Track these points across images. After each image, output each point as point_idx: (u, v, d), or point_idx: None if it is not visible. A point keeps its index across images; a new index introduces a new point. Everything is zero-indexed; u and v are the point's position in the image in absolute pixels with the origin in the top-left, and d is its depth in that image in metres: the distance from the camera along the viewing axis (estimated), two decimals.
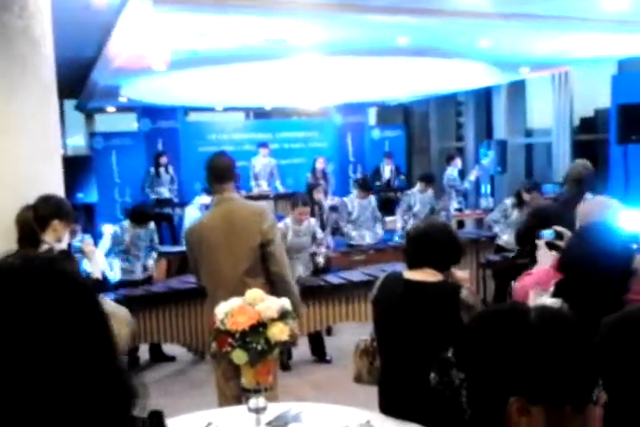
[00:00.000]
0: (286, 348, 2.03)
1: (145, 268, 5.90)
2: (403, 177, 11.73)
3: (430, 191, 7.87)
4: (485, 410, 0.99)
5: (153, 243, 5.96)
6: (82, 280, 0.98)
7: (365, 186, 7.33)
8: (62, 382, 0.87)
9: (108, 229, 5.90)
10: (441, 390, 1.02)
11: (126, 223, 5.81)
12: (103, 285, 3.38)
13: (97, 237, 6.98)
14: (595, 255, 2.05)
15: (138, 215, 5.83)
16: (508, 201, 6.58)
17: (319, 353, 5.70)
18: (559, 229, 3.04)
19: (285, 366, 5.38)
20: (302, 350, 5.43)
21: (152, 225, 5.97)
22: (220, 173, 3.47)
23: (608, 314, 1.63)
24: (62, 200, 3.23)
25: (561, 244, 2.98)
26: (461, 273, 2.70)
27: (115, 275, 5.76)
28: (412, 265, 2.59)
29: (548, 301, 2.09)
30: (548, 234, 3.01)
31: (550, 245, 3.01)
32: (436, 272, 2.55)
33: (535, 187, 6.56)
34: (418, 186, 7.86)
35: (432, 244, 2.56)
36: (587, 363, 1.00)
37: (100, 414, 0.89)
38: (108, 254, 5.67)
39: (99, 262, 3.33)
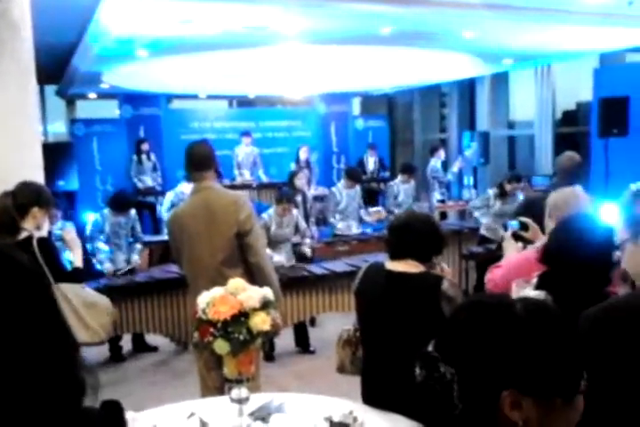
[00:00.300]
0: (268, 338, 2.02)
1: (128, 261, 5.84)
2: (386, 168, 11.75)
3: (413, 182, 7.92)
4: (477, 404, 0.98)
5: (135, 231, 5.90)
6: (30, 267, 0.94)
7: (354, 176, 7.34)
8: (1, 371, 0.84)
9: (91, 218, 5.84)
10: (431, 385, 1.01)
11: (107, 211, 5.75)
12: (84, 273, 3.34)
13: (78, 226, 6.93)
14: (578, 247, 2.05)
15: (118, 203, 5.76)
16: (491, 191, 6.64)
17: (303, 344, 5.71)
18: (524, 219, 3.05)
19: (269, 357, 5.39)
20: (286, 340, 5.43)
21: (133, 213, 5.90)
22: (199, 161, 3.42)
23: (592, 306, 1.64)
24: (42, 187, 3.19)
25: (526, 235, 3.01)
26: (446, 268, 2.70)
27: (100, 263, 5.70)
28: (394, 256, 2.59)
29: (532, 293, 2.09)
30: (513, 225, 3.03)
31: (516, 236, 3.03)
32: (418, 263, 2.54)
33: (517, 178, 6.62)
34: (400, 177, 7.91)
35: (414, 235, 2.55)
36: (573, 354, 1.00)
37: (45, 405, 0.85)
38: (88, 242, 5.61)
39: (80, 251, 3.29)
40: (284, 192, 6.09)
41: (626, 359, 1.46)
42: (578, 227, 2.12)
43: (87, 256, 5.57)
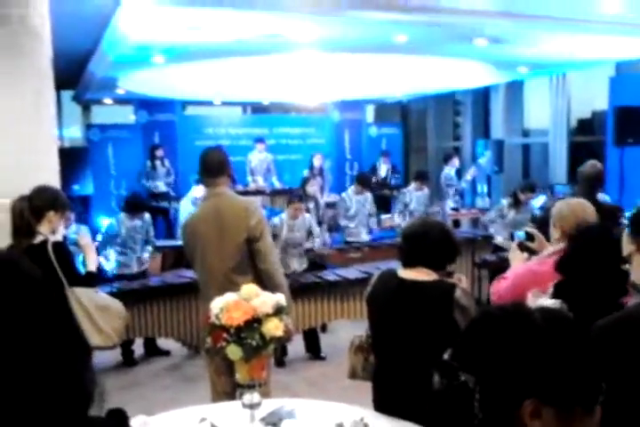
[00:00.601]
0: (281, 344, 2.03)
1: (141, 261, 5.88)
2: (398, 175, 11.73)
3: (426, 190, 7.90)
4: (497, 414, 0.98)
5: (149, 235, 5.94)
6: (35, 275, 0.93)
7: (363, 181, 7.34)
8: (9, 379, 0.84)
9: (106, 222, 5.89)
10: (450, 394, 1.01)
11: (122, 215, 5.79)
12: (97, 278, 3.36)
13: (92, 229, 6.98)
14: (594, 257, 2.07)
15: (132, 205, 5.81)
16: (505, 201, 6.61)
17: (314, 350, 5.70)
18: (530, 230, 3.04)
19: (280, 363, 5.39)
20: (296, 347, 5.43)
21: (147, 217, 5.95)
22: (212, 167, 3.42)
23: (607, 315, 1.64)
24: (58, 191, 3.22)
25: (532, 245, 2.99)
26: (464, 278, 2.67)
27: (111, 267, 5.74)
28: (407, 264, 2.56)
29: (548, 302, 2.09)
30: (519, 235, 3.02)
31: (522, 247, 3.02)
32: (431, 271, 2.51)
33: (531, 188, 6.58)
34: (413, 184, 7.89)
35: (427, 243, 2.52)
36: (593, 362, 1.00)
37: (51, 412, 0.86)
38: (102, 247, 5.65)
39: (94, 255, 3.31)
40: (295, 192, 6.12)
41: (634, 372, 1.45)
42: (594, 237, 2.14)
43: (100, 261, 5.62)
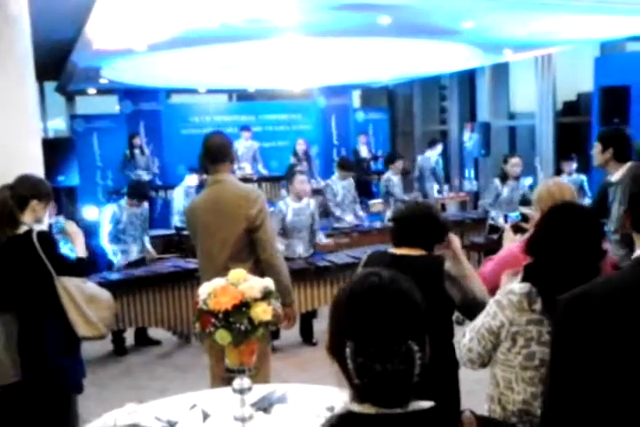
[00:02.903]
0: (270, 329, 2.02)
1: (140, 249, 5.86)
2: (379, 157, 11.70)
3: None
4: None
5: (145, 225, 5.92)
6: None
7: (345, 165, 7.33)
8: None
9: (107, 211, 5.83)
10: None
11: (123, 202, 5.76)
12: (89, 264, 3.32)
13: (77, 221, 6.93)
14: (562, 237, 2.00)
15: (138, 192, 5.82)
16: (497, 180, 6.63)
17: (306, 335, 5.70)
18: (525, 210, 3.04)
19: (272, 348, 5.40)
20: (287, 332, 5.43)
21: (146, 205, 5.94)
22: (214, 153, 3.36)
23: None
24: (41, 180, 3.17)
25: (526, 226, 2.99)
26: (455, 238, 2.69)
27: (115, 257, 5.71)
28: (397, 244, 2.64)
29: (515, 286, 2.07)
30: (513, 216, 3.02)
31: (515, 228, 3.02)
32: (421, 250, 2.59)
33: (510, 156, 6.69)
34: (390, 171, 7.89)
35: (415, 224, 2.60)
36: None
37: None
38: (111, 235, 5.63)
39: (82, 242, 3.26)
40: (289, 169, 6.08)
41: (600, 347, 1.43)
42: (561, 217, 2.07)
43: (99, 249, 5.61)
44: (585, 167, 7.26)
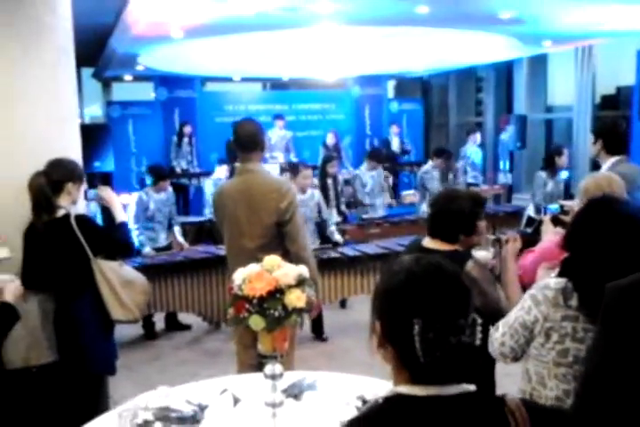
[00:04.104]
0: (303, 316, 2.03)
1: (168, 237, 5.91)
2: (409, 148, 11.61)
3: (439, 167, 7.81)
4: None
5: (172, 214, 5.95)
6: None
7: (375, 157, 7.33)
8: None
9: (132, 198, 5.87)
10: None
11: (148, 189, 5.81)
12: (128, 228, 3.32)
13: None
14: (599, 231, 1.93)
15: (159, 172, 5.85)
16: (543, 173, 6.53)
17: (317, 330, 5.63)
18: (565, 203, 2.98)
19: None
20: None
21: (171, 191, 5.99)
22: (245, 140, 3.32)
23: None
24: (73, 162, 3.19)
25: (566, 219, 2.93)
26: (482, 254, 2.64)
27: (141, 245, 5.75)
28: (429, 234, 2.66)
29: (552, 280, 2.02)
30: (553, 209, 2.96)
31: (555, 221, 2.96)
32: (446, 243, 2.58)
33: (563, 147, 6.62)
34: (431, 162, 7.83)
35: (435, 216, 2.64)
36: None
37: None
38: (137, 222, 5.67)
39: (120, 205, 3.28)
40: (297, 163, 6.10)
41: None
42: (599, 210, 2.00)
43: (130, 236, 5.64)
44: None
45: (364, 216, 7.17)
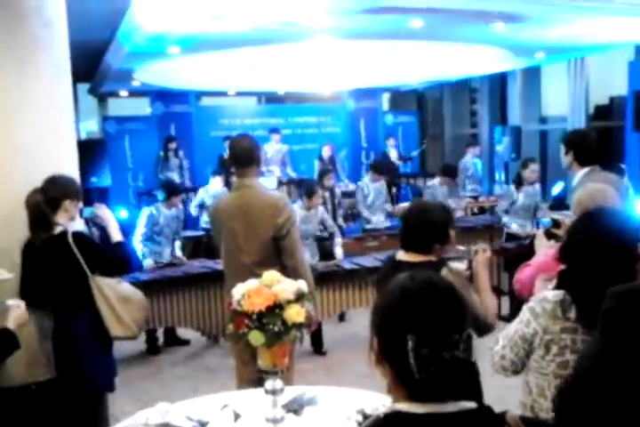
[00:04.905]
0: (302, 331, 2.03)
1: (172, 254, 5.88)
2: (408, 159, 11.62)
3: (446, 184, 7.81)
4: None
5: (178, 228, 5.93)
6: None
7: (378, 169, 7.36)
8: None
9: (144, 213, 5.85)
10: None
11: (160, 205, 5.80)
12: (126, 247, 3.31)
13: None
14: (595, 243, 1.94)
15: (172, 190, 5.82)
16: (512, 186, 6.54)
17: (316, 344, 5.58)
18: (556, 216, 2.99)
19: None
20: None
21: (181, 206, 5.98)
22: (241, 156, 3.35)
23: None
24: (70, 179, 3.17)
25: (558, 232, 2.93)
26: (457, 265, 2.65)
27: (146, 259, 5.72)
28: (402, 247, 2.65)
29: (550, 293, 2.03)
30: (545, 222, 2.97)
31: (548, 234, 2.97)
32: (420, 254, 2.56)
33: (526, 161, 6.52)
34: (438, 178, 7.80)
35: (405, 227, 2.64)
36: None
37: None
38: (145, 236, 5.65)
39: (116, 224, 3.26)
40: (313, 183, 6.11)
41: None
42: (594, 223, 2.02)
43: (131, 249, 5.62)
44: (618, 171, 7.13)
45: (367, 226, 7.18)
